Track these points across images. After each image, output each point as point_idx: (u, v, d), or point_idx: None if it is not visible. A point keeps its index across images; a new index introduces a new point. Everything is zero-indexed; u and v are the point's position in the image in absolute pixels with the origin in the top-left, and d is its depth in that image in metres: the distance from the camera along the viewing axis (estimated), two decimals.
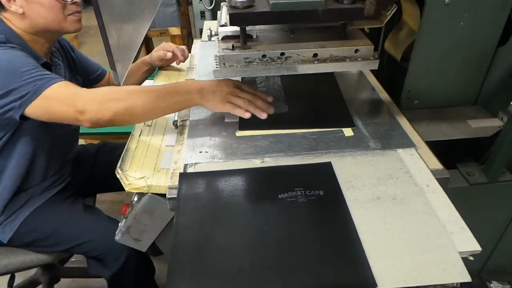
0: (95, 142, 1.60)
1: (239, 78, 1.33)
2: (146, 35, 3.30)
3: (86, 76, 1.41)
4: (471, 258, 0.73)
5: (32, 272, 1.69)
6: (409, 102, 1.15)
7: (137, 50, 0.95)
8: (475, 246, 0.73)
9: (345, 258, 0.72)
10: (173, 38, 2.87)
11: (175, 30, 2.85)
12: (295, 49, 0.96)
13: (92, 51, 3.97)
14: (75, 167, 1.42)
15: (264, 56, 0.96)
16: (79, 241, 1.23)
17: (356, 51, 0.97)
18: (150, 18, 1.12)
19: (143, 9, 1.07)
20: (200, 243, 0.75)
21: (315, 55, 0.96)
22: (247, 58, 0.96)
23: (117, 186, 0.97)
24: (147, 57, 1.47)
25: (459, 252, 0.73)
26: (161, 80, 1.46)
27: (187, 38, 3.14)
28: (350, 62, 0.97)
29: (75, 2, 1.07)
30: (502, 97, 1.13)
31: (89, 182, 1.46)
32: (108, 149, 1.51)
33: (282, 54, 0.96)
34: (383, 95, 1.23)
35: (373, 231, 0.77)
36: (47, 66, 1.11)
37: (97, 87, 1.40)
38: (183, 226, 0.78)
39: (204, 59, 1.46)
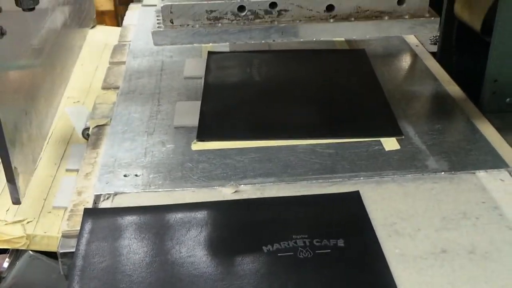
0: None
1: (199, 61, 1.33)
2: None
3: None
4: None
5: None
6: (497, 100, 1.14)
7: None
8: None
9: None
10: (102, 17, 2.86)
11: (106, 4, 2.86)
12: None
13: None
14: None
15: (241, 8, 0.94)
16: None
17: (401, 1, 0.96)
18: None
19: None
20: None
21: (330, 8, 0.95)
22: (212, 11, 0.94)
23: None
24: None
25: None
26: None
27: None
28: (390, 21, 0.96)
29: None
30: None
31: None
32: None
33: (273, 5, 0.94)
34: (452, 88, 1.23)
35: None
36: None
37: None
38: None
39: (144, 32, 1.45)
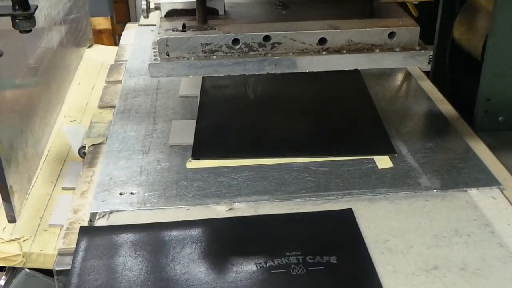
0: None
1: (194, 80, 1.34)
2: None
3: None
4: None
5: None
6: (490, 119, 1.17)
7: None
8: None
9: None
10: (99, 36, 2.88)
11: (103, 23, 2.88)
12: (289, 30, 0.97)
13: None
14: None
15: (236, 41, 0.97)
16: None
17: (391, 35, 0.98)
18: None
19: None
20: None
21: (323, 41, 0.98)
22: (207, 44, 0.97)
23: None
24: None
25: None
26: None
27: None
28: (381, 54, 0.98)
29: None
30: None
31: None
32: None
33: (267, 38, 0.97)
34: (446, 107, 1.25)
35: None
36: None
37: None
38: None
39: (141, 51, 1.48)
